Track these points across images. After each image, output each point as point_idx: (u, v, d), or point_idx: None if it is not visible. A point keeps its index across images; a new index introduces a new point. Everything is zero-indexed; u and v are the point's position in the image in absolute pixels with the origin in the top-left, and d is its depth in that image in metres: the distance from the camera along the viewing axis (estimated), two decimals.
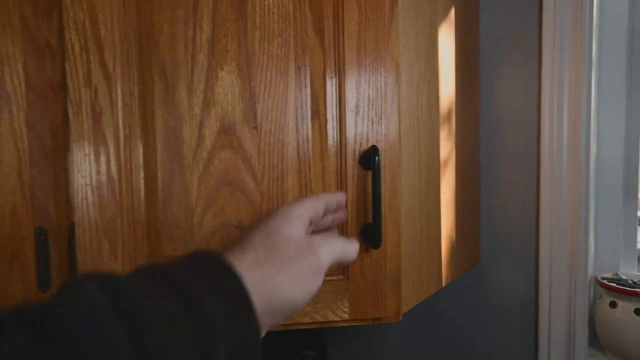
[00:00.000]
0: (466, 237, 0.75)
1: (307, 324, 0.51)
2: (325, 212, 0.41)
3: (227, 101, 0.46)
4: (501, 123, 0.78)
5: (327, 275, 0.49)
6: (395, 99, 0.51)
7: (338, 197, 0.44)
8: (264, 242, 0.33)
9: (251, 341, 0.29)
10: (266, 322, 0.32)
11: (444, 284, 0.67)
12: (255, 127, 0.46)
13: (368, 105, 0.49)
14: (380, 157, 0.47)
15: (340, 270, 0.51)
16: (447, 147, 0.66)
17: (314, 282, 0.34)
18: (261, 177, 0.47)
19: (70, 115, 0.42)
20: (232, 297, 0.28)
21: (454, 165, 0.69)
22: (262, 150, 0.47)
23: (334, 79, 0.48)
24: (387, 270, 0.52)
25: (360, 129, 0.49)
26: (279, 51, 0.46)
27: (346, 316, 0.52)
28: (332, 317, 0.51)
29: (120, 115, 0.43)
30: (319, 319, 0.51)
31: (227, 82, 0.46)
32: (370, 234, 0.49)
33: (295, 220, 0.36)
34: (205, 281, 0.27)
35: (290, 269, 0.32)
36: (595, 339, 0.73)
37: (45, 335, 0.20)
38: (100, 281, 0.23)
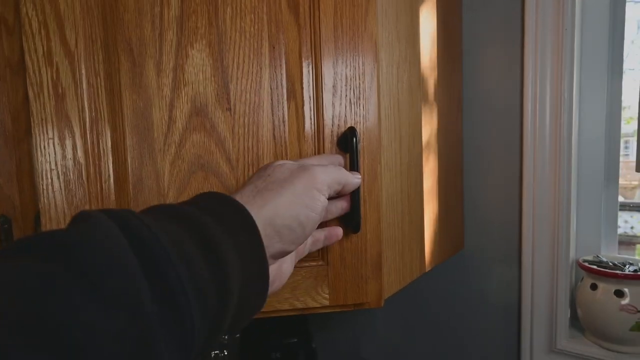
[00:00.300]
0: (450, 221, 0.74)
1: (286, 310, 0.50)
2: None
3: (198, 81, 0.44)
4: (484, 107, 0.78)
5: (306, 260, 0.48)
6: (375, 80, 0.50)
7: (337, 158, 0.46)
8: (260, 174, 0.35)
9: (259, 263, 0.30)
10: (276, 247, 0.32)
11: (427, 269, 0.67)
12: (229, 109, 0.45)
13: (346, 86, 0.48)
14: (358, 138, 0.46)
15: (320, 255, 0.50)
16: (429, 130, 0.65)
17: (315, 198, 0.35)
18: (236, 161, 0.45)
19: (31, 97, 0.40)
20: (238, 224, 0.29)
21: (437, 148, 0.68)
22: (236, 132, 0.45)
23: (310, 58, 0.47)
24: (368, 255, 0.51)
25: (338, 110, 0.48)
26: (252, 28, 0.44)
27: (326, 302, 0.51)
28: (311, 304, 0.50)
29: (85, 97, 0.41)
30: (299, 305, 0.50)
31: (198, 61, 0.44)
32: (349, 218, 0.47)
33: (288, 160, 0.38)
34: (212, 213, 0.28)
35: (287, 189, 0.33)
36: (576, 321, 0.73)
37: (60, 260, 0.20)
38: (114, 214, 0.23)
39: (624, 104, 0.74)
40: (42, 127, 0.41)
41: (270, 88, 0.45)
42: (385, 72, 0.53)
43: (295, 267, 0.43)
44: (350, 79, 0.48)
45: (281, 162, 0.37)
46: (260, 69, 0.45)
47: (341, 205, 0.45)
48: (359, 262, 0.51)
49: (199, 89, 0.44)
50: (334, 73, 0.47)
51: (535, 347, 0.75)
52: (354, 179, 0.42)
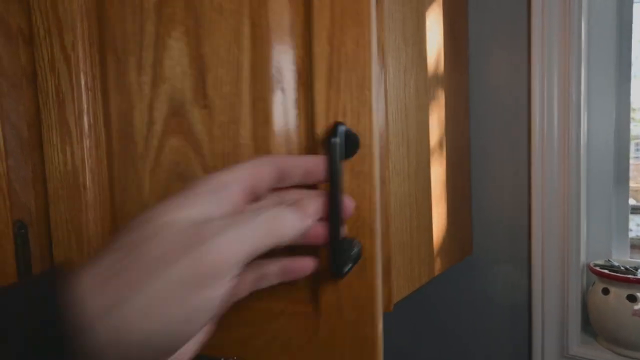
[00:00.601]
0: (458, 225, 0.74)
1: None
2: (282, 180, 0.29)
3: (176, 76, 0.39)
4: (491, 110, 0.77)
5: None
6: (382, 85, 0.50)
7: (307, 161, 0.29)
8: (129, 237, 0.21)
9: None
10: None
11: (435, 274, 0.66)
12: (206, 106, 0.39)
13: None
14: (342, 139, 0.32)
15: None
16: (436, 134, 0.65)
17: (201, 299, 0.20)
18: (213, 169, 0.39)
19: (41, 104, 0.40)
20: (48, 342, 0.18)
21: (444, 152, 0.68)
22: (214, 135, 0.39)
23: (301, 38, 0.38)
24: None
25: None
26: (231, 4, 0.38)
27: None
28: None
29: (83, 101, 0.39)
30: None
31: (176, 52, 0.39)
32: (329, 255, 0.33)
33: (200, 195, 0.23)
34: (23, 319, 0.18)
35: (154, 282, 0.20)
36: (588, 326, 0.72)
37: None
38: None
39: (633, 105, 0.73)
40: (49, 134, 0.41)
41: (251, 77, 0.38)
42: (392, 76, 0.53)
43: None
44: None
45: (173, 212, 0.22)
46: (240, 53, 0.38)
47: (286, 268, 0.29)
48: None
49: (177, 85, 0.39)
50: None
51: (547, 353, 0.74)
52: (292, 228, 0.25)
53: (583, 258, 0.72)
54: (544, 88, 0.70)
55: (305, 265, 0.30)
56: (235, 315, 0.33)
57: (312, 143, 0.36)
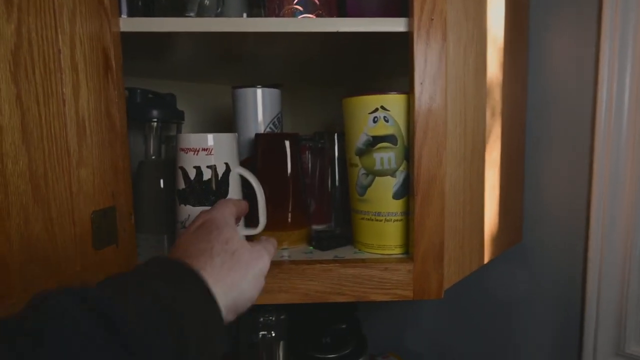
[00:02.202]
0: (509, 211, 0.70)
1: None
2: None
3: None
4: (551, 93, 0.72)
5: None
6: (443, 60, 0.47)
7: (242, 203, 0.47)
8: (226, 249, 0.37)
9: (218, 335, 0.32)
10: (230, 318, 0.36)
11: (485, 261, 0.64)
12: None
13: None
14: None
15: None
16: (493, 116, 0.62)
17: (263, 282, 0.39)
18: None
19: None
20: (201, 302, 0.32)
21: (500, 135, 0.64)
22: None
23: None
24: (429, 244, 0.49)
25: None
26: None
27: (410, 295, 0.50)
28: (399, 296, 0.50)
29: None
30: (387, 298, 0.50)
31: None
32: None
33: (235, 227, 0.41)
34: (175, 288, 0.30)
35: (250, 274, 0.37)
36: None
37: (22, 342, 0.22)
38: (68, 291, 0.25)
39: None
40: None
41: None
42: (452, 53, 0.50)
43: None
44: None
45: (230, 230, 0.39)
46: None
47: None
48: (426, 253, 0.50)
49: None
50: None
51: (600, 350, 0.70)
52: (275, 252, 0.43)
53: None
54: (614, 68, 0.65)
55: None
56: None
57: None
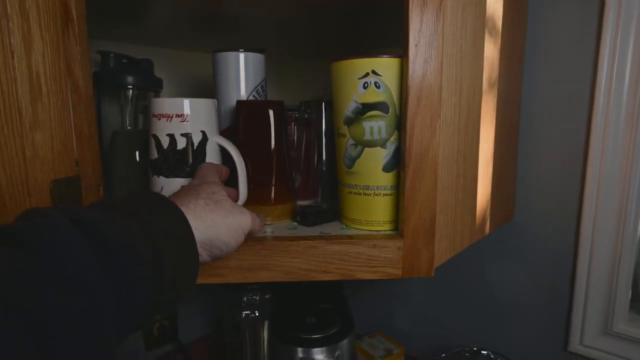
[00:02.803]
0: (502, 188, 0.68)
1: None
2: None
3: None
4: (549, 60, 0.69)
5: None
6: (440, 21, 0.44)
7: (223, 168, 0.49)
8: (211, 197, 0.40)
9: (190, 262, 0.35)
10: (203, 257, 0.38)
11: (476, 239, 0.61)
12: None
13: None
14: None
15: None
16: (489, 85, 0.58)
17: (241, 238, 0.41)
18: None
19: None
20: (180, 231, 0.35)
21: (496, 106, 0.61)
22: None
23: None
24: (420, 220, 0.47)
25: None
26: None
27: (399, 273, 0.48)
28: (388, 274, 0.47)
29: None
30: (376, 276, 0.47)
31: None
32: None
33: (222, 185, 0.44)
34: (156, 213, 0.34)
35: (230, 220, 0.39)
36: (637, 303, 0.67)
37: (13, 250, 0.24)
38: (59, 209, 0.27)
39: None
40: None
41: None
42: (450, 13, 0.46)
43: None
44: None
45: (218, 187, 0.42)
46: None
47: None
48: (417, 230, 0.47)
49: None
50: None
51: (587, 328, 0.69)
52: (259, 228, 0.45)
53: None
54: (616, 41, 0.62)
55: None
56: None
57: None
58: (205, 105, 0.47)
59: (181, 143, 0.46)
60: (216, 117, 0.49)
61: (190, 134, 0.46)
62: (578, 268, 0.69)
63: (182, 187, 0.43)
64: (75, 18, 0.39)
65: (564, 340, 0.73)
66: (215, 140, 0.47)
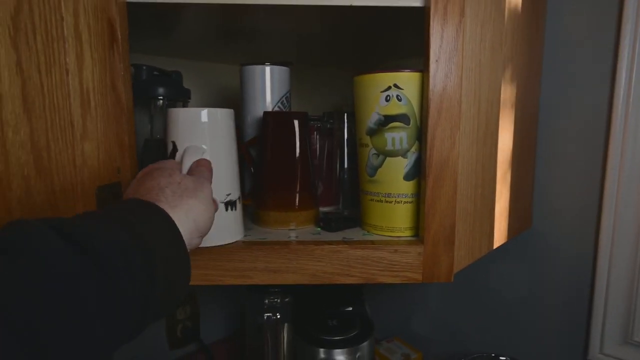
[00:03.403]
0: (519, 196, 0.69)
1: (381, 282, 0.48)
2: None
3: None
4: (567, 71, 0.70)
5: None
6: (460, 38, 0.45)
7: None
8: (170, 181, 0.38)
9: (181, 257, 0.35)
10: (195, 241, 0.39)
11: (495, 246, 0.63)
12: None
13: None
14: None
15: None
16: (507, 96, 0.60)
17: (213, 206, 0.41)
18: None
19: None
20: (165, 229, 0.34)
21: (513, 117, 0.62)
22: None
23: None
24: (440, 227, 0.48)
25: None
26: None
27: (420, 278, 0.49)
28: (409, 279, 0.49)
29: None
30: (397, 280, 0.49)
31: None
32: None
33: (175, 165, 0.43)
34: (139, 216, 0.33)
35: (200, 196, 0.39)
36: None
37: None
38: (41, 219, 0.27)
39: None
40: None
41: None
42: (469, 29, 0.48)
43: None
44: None
45: (168, 166, 0.41)
46: None
47: None
48: (437, 236, 0.48)
49: None
50: None
51: (607, 337, 0.70)
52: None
53: None
54: (634, 52, 0.62)
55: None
56: None
57: None
58: (182, 114, 0.46)
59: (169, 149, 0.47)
60: (203, 127, 0.46)
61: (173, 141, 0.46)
62: (597, 276, 0.69)
63: (136, 180, 0.40)
64: (120, 38, 0.42)
65: (583, 349, 0.73)
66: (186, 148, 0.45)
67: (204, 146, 0.45)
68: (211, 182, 0.43)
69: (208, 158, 0.45)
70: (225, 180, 0.48)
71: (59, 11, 0.34)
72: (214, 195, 0.44)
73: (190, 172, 0.43)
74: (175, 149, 0.45)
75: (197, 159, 0.44)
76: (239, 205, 0.50)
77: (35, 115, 0.32)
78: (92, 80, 0.38)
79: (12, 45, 0.30)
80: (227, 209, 0.48)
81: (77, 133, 0.37)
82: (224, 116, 0.47)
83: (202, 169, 0.43)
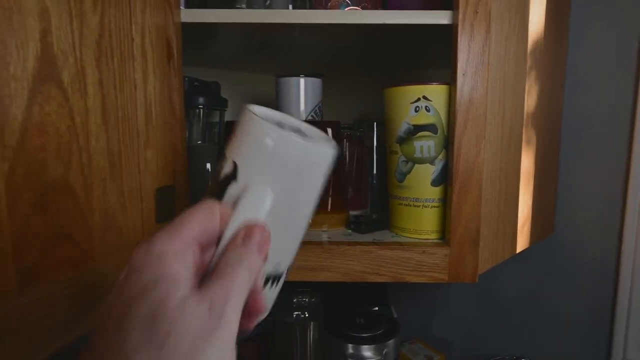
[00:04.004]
0: (542, 202, 0.71)
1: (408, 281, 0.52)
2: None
3: None
4: (590, 80, 0.72)
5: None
6: (486, 53, 0.49)
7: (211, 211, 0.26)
8: (151, 336, 0.20)
9: None
10: None
11: (517, 251, 0.65)
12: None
13: None
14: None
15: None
16: (531, 106, 0.62)
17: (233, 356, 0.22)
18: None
19: None
20: None
21: (537, 126, 0.65)
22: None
23: None
24: (466, 230, 0.51)
25: None
26: None
27: (445, 278, 0.52)
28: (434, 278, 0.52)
29: None
30: (423, 280, 0.53)
31: None
32: None
33: (178, 268, 0.22)
34: None
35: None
36: None
37: None
38: None
39: None
40: None
41: None
42: (494, 44, 0.51)
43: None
44: None
45: (175, 293, 0.22)
46: None
47: None
48: (462, 239, 0.52)
49: None
50: None
51: (631, 341, 0.71)
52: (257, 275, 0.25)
53: None
54: None
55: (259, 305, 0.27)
56: None
57: None
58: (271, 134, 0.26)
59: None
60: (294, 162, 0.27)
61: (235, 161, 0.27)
62: (620, 281, 0.71)
63: (116, 282, 0.23)
64: (175, 55, 0.47)
65: (606, 353, 0.74)
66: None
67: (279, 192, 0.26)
68: (245, 296, 0.23)
69: (270, 222, 0.26)
70: (282, 247, 0.29)
71: (130, 34, 0.39)
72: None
73: (225, 253, 0.24)
74: (233, 177, 0.27)
75: (255, 221, 0.25)
76: (283, 279, 0.30)
77: (111, 126, 0.37)
78: (154, 93, 0.43)
79: (97, 65, 0.35)
80: (266, 285, 0.29)
81: (142, 141, 0.42)
82: (325, 157, 0.28)
83: (244, 256, 0.24)
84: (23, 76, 0.27)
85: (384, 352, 0.64)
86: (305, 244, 0.53)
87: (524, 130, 0.62)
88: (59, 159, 0.31)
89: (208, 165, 0.69)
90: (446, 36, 0.51)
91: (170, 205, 0.47)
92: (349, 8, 0.54)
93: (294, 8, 0.61)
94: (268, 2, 0.57)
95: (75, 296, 0.34)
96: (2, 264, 0.27)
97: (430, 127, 0.52)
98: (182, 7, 0.53)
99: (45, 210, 0.31)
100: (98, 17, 0.35)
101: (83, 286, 0.34)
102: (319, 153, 0.27)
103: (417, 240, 0.54)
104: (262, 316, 0.27)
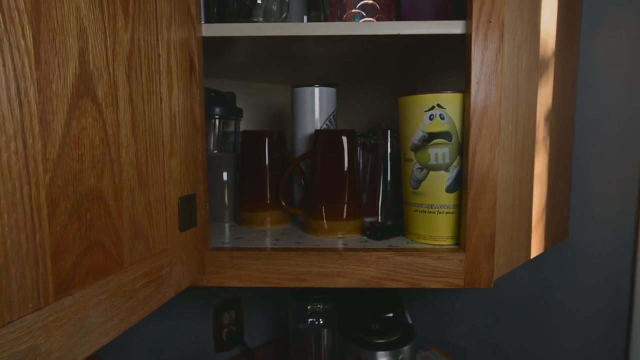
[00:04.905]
0: (556, 208, 0.72)
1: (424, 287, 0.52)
2: None
3: None
4: (602, 84, 0.73)
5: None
6: (499, 61, 0.50)
7: None
8: None
9: None
10: None
11: (532, 256, 0.65)
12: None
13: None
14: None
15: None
16: (543, 113, 0.63)
17: None
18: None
19: None
20: None
21: (549, 132, 0.66)
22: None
23: None
24: (481, 236, 0.52)
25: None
26: None
27: (462, 283, 0.53)
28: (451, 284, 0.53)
29: None
30: (440, 285, 0.53)
31: None
32: None
33: None
34: None
35: None
36: None
37: None
38: None
39: None
40: None
41: None
42: (507, 52, 0.52)
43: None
44: None
45: None
46: None
47: None
48: (478, 244, 0.52)
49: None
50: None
51: None
52: None
53: None
54: None
55: None
56: None
57: None
58: None
59: None
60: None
61: None
62: (636, 286, 0.70)
63: None
64: (197, 68, 0.48)
65: (623, 359, 0.74)
66: None
67: None
68: None
69: None
70: None
71: (157, 49, 0.41)
72: None
73: None
74: None
75: None
76: None
77: (139, 138, 0.38)
78: (177, 105, 0.45)
79: (127, 80, 0.36)
80: None
81: (166, 151, 0.43)
82: None
83: None
84: (63, 93, 0.29)
85: (399, 358, 0.64)
86: (322, 250, 0.54)
87: (537, 137, 0.62)
88: (93, 170, 0.33)
89: (225, 174, 0.70)
90: (458, 41, 0.52)
91: (192, 213, 0.49)
92: (363, 20, 0.55)
93: (308, 20, 0.62)
94: (284, 15, 0.58)
95: (104, 303, 0.35)
96: (42, 271, 0.29)
97: (445, 135, 0.53)
98: (202, 22, 0.55)
99: (80, 219, 0.32)
100: (129, 34, 0.36)
101: (112, 293, 0.36)
102: None
103: (432, 247, 0.55)
104: None
